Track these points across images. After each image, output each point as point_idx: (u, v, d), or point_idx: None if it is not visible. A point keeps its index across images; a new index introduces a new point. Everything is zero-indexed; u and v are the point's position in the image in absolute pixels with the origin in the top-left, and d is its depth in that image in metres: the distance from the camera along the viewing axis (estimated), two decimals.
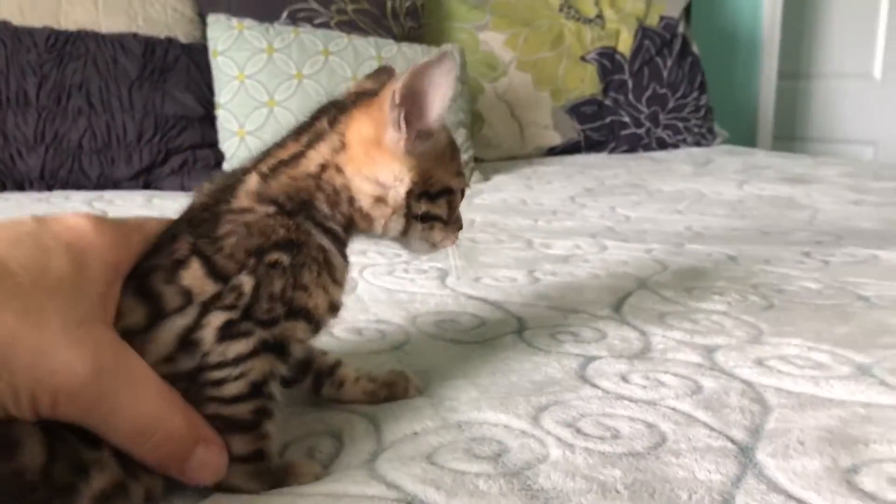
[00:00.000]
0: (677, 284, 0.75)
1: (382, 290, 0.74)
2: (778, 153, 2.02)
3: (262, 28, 1.52)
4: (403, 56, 1.57)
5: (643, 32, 2.14)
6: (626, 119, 2.09)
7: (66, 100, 1.39)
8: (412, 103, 0.42)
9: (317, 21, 1.67)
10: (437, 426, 0.45)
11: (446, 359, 0.56)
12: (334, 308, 0.42)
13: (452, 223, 0.48)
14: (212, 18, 1.53)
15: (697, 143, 2.14)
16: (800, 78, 3.30)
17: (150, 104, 1.43)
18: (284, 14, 1.67)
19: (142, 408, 0.34)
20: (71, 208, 1.22)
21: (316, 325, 0.41)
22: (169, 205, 1.23)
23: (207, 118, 1.48)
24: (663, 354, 0.56)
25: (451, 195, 0.47)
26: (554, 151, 2.02)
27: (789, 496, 0.37)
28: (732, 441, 0.42)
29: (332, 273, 0.42)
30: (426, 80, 0.41)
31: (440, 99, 0.42)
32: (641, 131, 2.09)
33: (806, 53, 3.27)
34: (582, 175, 1.62)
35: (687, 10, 2.36)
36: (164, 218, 0.42)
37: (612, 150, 2.06)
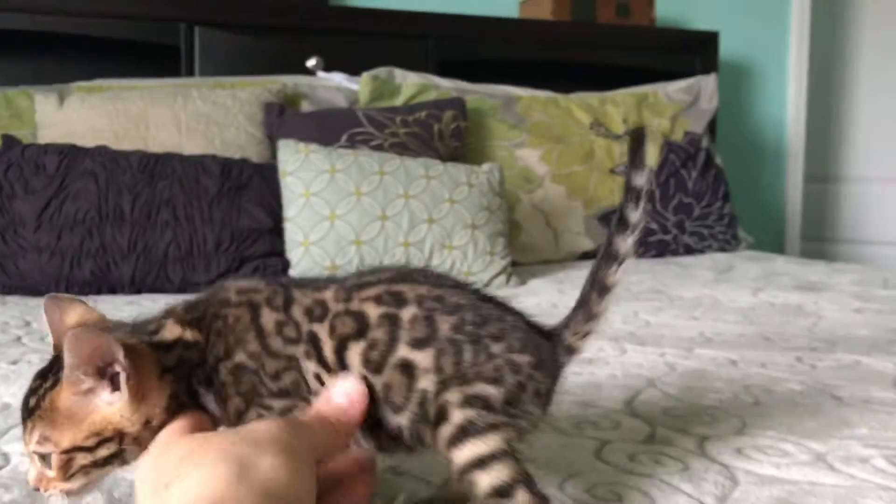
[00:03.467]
0: (681, 384, 0.90)
1: None
2: (797, 260, 2.16)
3: (326, 151, 1.73)
4: (448, 174, 1.76)
5: (669, 147, 2.33)
6: (654, 226, 2.25)
7: (156, 214, 1.59)
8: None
9: (372, 143, 1.88)
10: None
11: None
12: None
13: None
14: (282, 143, 1.74)
15: (722, 249, 2.29)
16: (828, 181, 3.45)
17: (227, 217, 1.63)
18: (344, 137, 1.88)
19: None
20: (157, 308, 1.41)
21: None
22: None
23: (276, 230, 1.67)
24: (665, 440, 0.71)
25: None
26: (586, 256, 2.18)
27: None
28: None
29: None
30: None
31: None
32: (669, 238, 2.25)
33: (833, 157, 3.42)
34: None
35: (712, 123, 2.55)
36: None
37: (641, 256, 2.22)
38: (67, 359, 0.47)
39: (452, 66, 2.44)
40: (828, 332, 1.22)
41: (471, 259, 1.71)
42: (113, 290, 1.56)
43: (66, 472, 0.49)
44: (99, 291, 1.55)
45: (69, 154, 1.63)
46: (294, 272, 1.64)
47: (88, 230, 1.55)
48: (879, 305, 1.43)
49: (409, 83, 2.18)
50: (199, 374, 0.52)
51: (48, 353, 1.03)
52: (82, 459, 0.49)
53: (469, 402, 0.51)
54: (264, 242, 1.65)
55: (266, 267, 1.63)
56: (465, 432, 0.50)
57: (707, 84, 2.50)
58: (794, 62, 3.10)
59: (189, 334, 0.53)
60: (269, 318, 0.53)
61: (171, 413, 0.50)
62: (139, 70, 2.24)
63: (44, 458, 0.50)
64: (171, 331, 0.53)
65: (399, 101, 2.16)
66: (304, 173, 1.69)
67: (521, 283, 1.75)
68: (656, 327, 1.26)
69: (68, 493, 0.51)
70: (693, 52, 2.72)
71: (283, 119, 1.92)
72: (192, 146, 1.82)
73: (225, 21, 2.29)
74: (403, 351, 0.52)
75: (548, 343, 0.58)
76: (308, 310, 0.54)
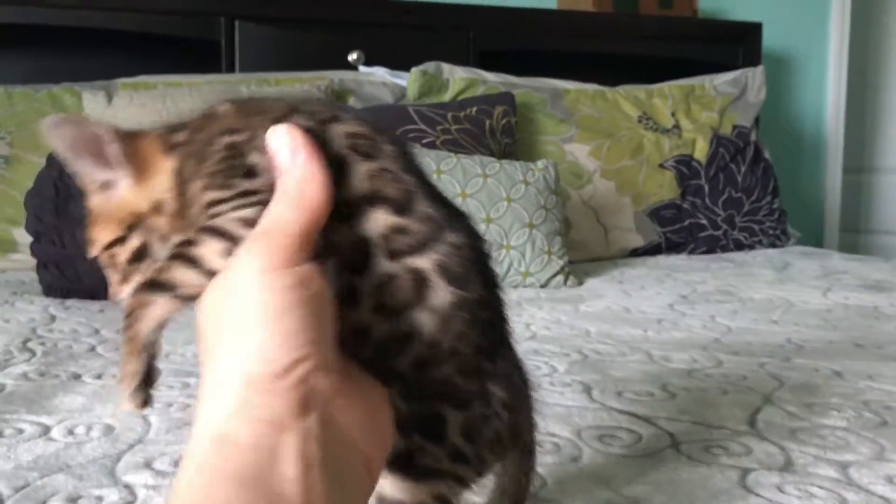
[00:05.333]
0: (797, 400, 0.86)
1: (542, 403, 0.86)
2: (852, 256, 2.12)
3: None
4: (504, 172, 1.73)
5: (718, 141, 2.29)
6: (704, 222, 2.21)
7: None
8: None
9: (425, 141, 1.85)
10: None
11: (624, 472, 0.68)
12: None
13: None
14: None
15: (773, 245, 2.26)
16: (862, 172, 3.41)
17: None
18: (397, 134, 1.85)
19: None
20: None
21: None
22: None
23: None
24: (805, 469, 0.68)
25: None
26: (636, 253, 2.15)
27: None
28: None
29: None
30: None
31: None
32: (719, 233, 2.21)
33: (868, 148, 3.39)
34: (671, 280, 1.74)
35: (756, 118, 2.50)
36: None
37: (692, 252, 2.19)
38: (60, 152, 0.46)
39: (494, 57, 2.40)
40: None
41: (528, 259, 1.68)
42: None
43: (118, 271, 0.47)
44: None
45: None
46: None
47: None
48: None
49: (457, 78, 2.15)
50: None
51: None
52: (122, 253, 0.47)
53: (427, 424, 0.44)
54: None
55: None
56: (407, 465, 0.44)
57: (754, 77, 2.45)
58: (834, 54, 3.05)
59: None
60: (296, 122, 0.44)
61: (181, 196, 0.46)
62: (179, 66, 2.21)
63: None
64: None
65: (447, 96, 2.13)
66: None
67: (579, 283, 1.71)
68: (739, 333, 1.23)
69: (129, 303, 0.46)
70: (736, 43, 2.68)
71: None
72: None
73: (265, 15, 2.26)
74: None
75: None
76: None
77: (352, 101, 2.09)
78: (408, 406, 0.43)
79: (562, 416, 0.82)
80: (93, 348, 1.12)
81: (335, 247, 0.42)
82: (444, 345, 0.42)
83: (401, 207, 0.42)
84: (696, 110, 2.34)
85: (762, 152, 2.35)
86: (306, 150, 0.41)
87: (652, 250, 2.16)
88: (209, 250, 0.42)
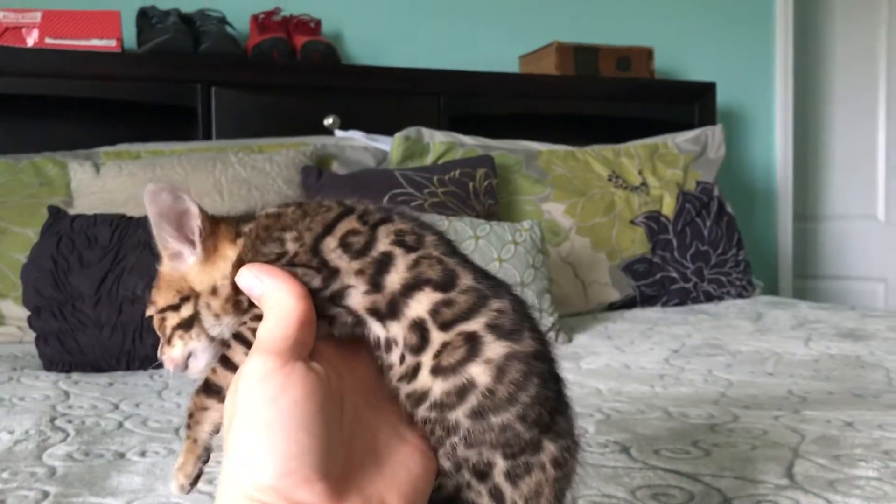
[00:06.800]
0: (824, 453, 0.92)
1: (587, 465, 0.90)
2: (819, 305, 2.22)
3: None
4: (494, 233, 1.78)
5: (683, 197, 2.39)
6: (675, 275, 2.30)
7: None
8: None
9: (413, 204, 1.90)
10: None
11: None
12: None
13: None
14: None
15: (740, 295, 2.35)
16: (807, 220, 3.58)
17: None
18: (385, 199, 1.89)
19: None
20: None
21: None
22: None
23: None
24: None
25: None
26: (613, 306, 2.22)
27: None
28: None
29: None
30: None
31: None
32: (689, 286, 2.30)
33: (813, 197, 3.56)
34: (656, 334, 1.80)
35: None
36: None
37: (665, 304, 2.27)
38: (150, 215, 0.51)
39: (463, 120, 2.48)
40: None
41: None
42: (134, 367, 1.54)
43: (164, 333, 0.53)
44: (161, 365, 1.52)
45: (120, 224, 1.61)
46: None
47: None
48: None
49: (437, 142, 2.21)
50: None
51: (159, 439, 1.02)
52: (172, 319, 0.52)
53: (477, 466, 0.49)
54: None
55: None
56: None
57: (714, 135, 2.58)
58: (781, 109, 3.22)
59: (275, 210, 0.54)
60: (346, 223, 0.51)
61: (234, 284, 0.51)
62: (155, 132, 2.23)
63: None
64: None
65: (429, 159, 2.18)
66: None
67: (569, 340, 1.77)
68: (742, 386, 1.29)
69: (173, 364, 0.54)
70: (692, 101, 2.81)
71: (321, 182, 1.92)
72: (234, 211, 1.80)
73: (239, 81, 2.30)
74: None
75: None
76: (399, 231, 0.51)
77: (335, 166, 2.13)
78: (463, 452, 0.48)
79: (611, 477, 0.86)
80: (120, 424, 1.12)
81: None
82: (501, 393, 0.47)
83: (444, 285, 0.49)
84: (661, 168, 2.44)
85: (725, 206, 2.46)
86: (270, 275, 0.48)
87: (628, 304, 2.24)
88: (238, 356, 0.49)
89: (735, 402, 1.18)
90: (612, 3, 2.96)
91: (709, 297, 2.31)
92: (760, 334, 1.76)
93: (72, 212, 1.74)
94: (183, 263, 0.53)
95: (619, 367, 1.47)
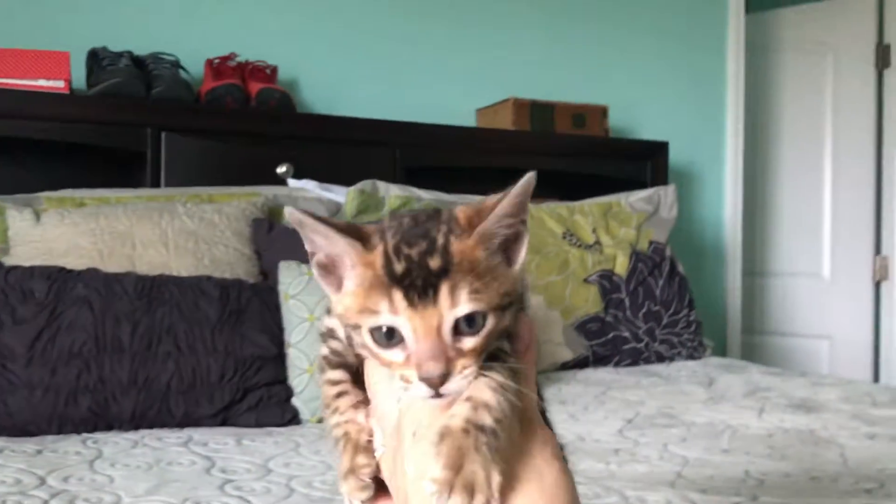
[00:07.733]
0: None
1: None
2: (769, 370, 2.23)
3: None
4: None
5: (636, 256, 2.39)
6: (627, 334, 2.29)
7: (157, 344, 1.51)
8: None
9: None
10: None
11: None
12: None
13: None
14: (283, 265, 1.70)
15: (691, 356, 2.35)
16: (755, 276, 3.63)
17: (230, 345, 1.56)
18: None
19: None
20: (173, 451, 1.33)
21: None
22: (258, 445, 1.34)
23: (280, 357, 1.61)
24: None
25: None
26: (566, 366, 2.20)
27: None
28: None
29: None
30: None
31: None
32: (641, 346, 2.29)
33: (761, 254, 3.63)
34: (610, 400, 1.78)
35: None
36: None
37: (617, 364, 2.25)
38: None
39: (418, 172, 2.46)
40: (865, 467, 1.25)
41: None
42: (110, 427, 1.46)
43: (485, 345, 0.49)
44: (95, 429, 1.45)
45: (59, 278, 1.53)
46: (298, 401, 1.58)
47: (86, 363, 1.45)
48: (886, 429, 1.49)
49: (392, 195, 2.18)
50: None
51: None
52: (499, 324, 0.50)
53: None
54: (268, 370, 1.59)
55: (270, 396, 1.57)
56: None
57: (667, 194, 2.60)
58: (730, 168, 3.28)
59: None
60: None
61: None
62: (103, 176, 2.16)
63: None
64: None
65: (384, 212, 2.15)
66: (307, 296, 1.64)
67: None
68: (697, 465, 1.27)
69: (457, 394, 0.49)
70: (645, 159, 2.84)
71: (272, 235, 1.87)
72: (180, 265, 1.74)
73: (192, 126, 2.25)
74: None
75: None
76: None
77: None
78: None
79: None
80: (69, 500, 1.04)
81: None
82: None
83: None
84: (614, 227, 2.44)
85: (677, 266, 2.47)
86: None
87: (580, 363, 2.22)
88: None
89: (691, 485, 1.15)
90: (568, 60, 2.99)
91: (660, 358, 2.31)
92: (714, 403, 1.75)
93: (8, 261, 1.66)
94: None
95: (573, 438, 1.44)
